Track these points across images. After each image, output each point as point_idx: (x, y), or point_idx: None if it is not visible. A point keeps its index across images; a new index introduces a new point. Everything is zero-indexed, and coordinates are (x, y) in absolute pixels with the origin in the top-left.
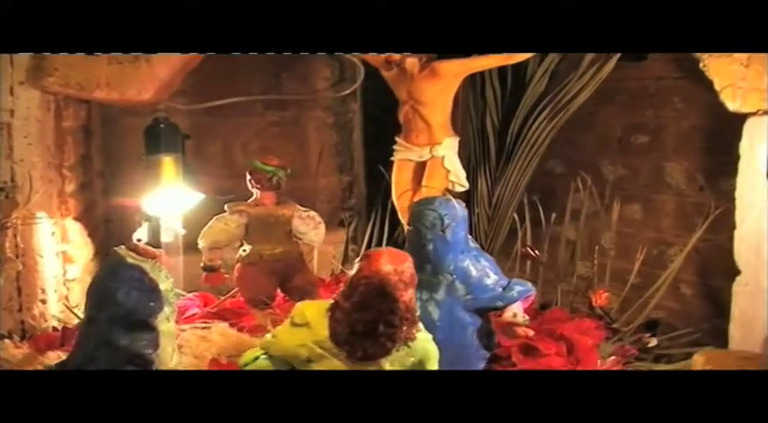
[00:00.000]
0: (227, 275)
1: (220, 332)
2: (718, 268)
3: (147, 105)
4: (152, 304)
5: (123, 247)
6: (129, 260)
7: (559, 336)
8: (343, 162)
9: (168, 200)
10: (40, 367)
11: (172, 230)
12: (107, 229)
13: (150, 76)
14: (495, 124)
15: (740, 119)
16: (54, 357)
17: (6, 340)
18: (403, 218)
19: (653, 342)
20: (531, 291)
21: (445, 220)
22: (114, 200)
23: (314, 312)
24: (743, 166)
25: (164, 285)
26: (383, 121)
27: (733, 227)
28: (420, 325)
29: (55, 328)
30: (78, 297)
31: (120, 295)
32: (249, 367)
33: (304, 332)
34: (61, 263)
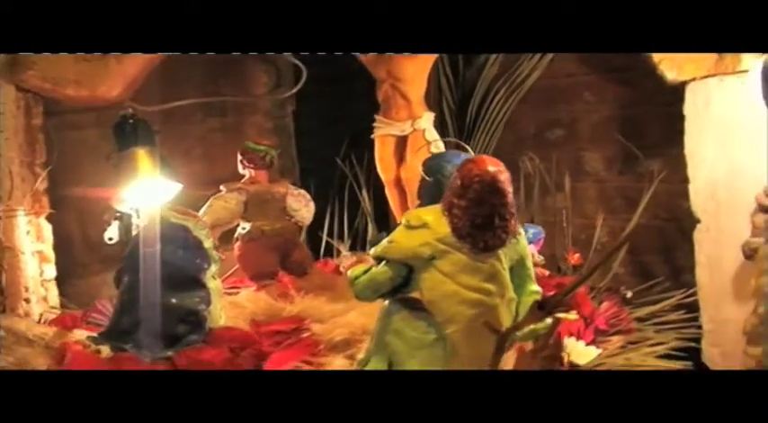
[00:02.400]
0: (223, 257)
1: (247, 298)
2: (646, 246)
3: (114, 103)
4: (198, 261)
5: (165, 207)
6: (173, 219)
7: (555, 285)
8: (283, 164)
9: (146, 192)
10: (77, 339)
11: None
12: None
13: (119, 74)
14: (451, 108)
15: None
16: (82, 334)
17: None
18: (389, 190)
19: (629, 294)
20: (542, 233)
21: None
22: (87, 191)
23: (430, 214)
24: (688, 126)
25: (206, 243)
26: (319, 122)
27: (661, 204)
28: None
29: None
30: (56, 298)
31: (167, 253)
32: (363, 279)
33: (423, 232)
34: (38, 262)
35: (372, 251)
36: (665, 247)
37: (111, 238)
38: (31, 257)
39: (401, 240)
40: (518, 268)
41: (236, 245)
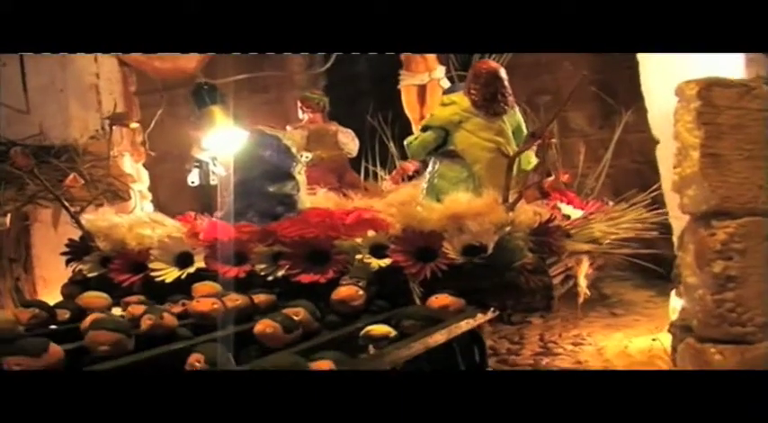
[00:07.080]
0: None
1: (322, 196)
2: (628, 185)
3: (191, 74)
4: (288, 160)
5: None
6: (268, 131)
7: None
8: None
9: (224, 140)
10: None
11: (217, 172)
12: None
13: None
14: (456, 67)
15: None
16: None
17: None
18: (415, 127)
19: (611, 203)
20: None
21: None
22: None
23: (456, 96)
24: (642, 69)
25: (293, 148)
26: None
27: (637, 150)
28: None
29: None
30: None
31: (266, 156)
32: (416, 142)
33: (452, 107)
34: (138, 199)
35: (421, 124)
36: (642, 185)
37: (192, 182)
38: (134, 194)
39: (438, 113)
40: (517, 132)
41: (304, 170)
